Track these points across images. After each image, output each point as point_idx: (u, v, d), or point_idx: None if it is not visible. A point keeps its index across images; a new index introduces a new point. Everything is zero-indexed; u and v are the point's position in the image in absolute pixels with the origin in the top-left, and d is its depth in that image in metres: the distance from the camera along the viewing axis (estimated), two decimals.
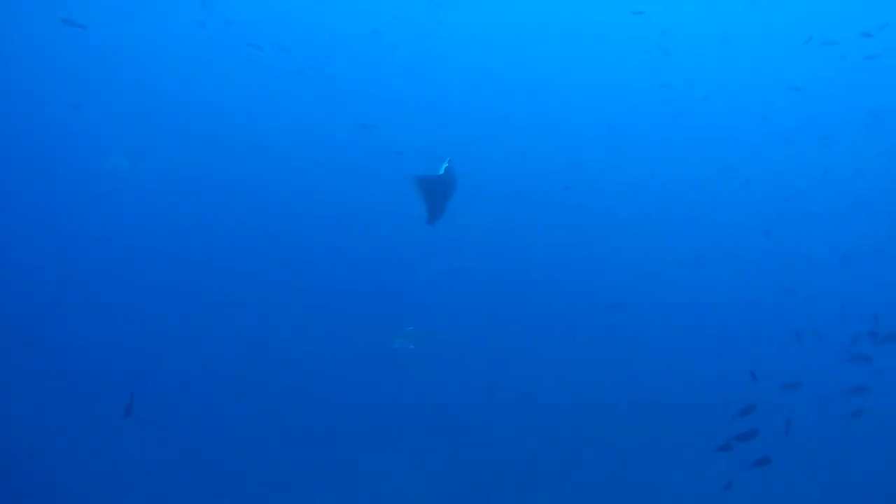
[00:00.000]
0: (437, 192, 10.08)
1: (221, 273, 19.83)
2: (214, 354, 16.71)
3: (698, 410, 15.20)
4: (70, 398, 14.69)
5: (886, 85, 21.37)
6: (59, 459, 12.97)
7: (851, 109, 22.40)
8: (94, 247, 19.77)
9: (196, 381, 15.57)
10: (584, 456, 14.33)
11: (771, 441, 10.20)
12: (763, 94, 23.85)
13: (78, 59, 24.95)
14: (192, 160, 23.26)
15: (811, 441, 13.60)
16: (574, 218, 22.55)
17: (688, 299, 20.24)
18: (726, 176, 22.02)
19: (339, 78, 25.39)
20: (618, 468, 14.03)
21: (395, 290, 19.42)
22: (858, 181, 22.71)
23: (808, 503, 12.86)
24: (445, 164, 10.08)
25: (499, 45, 25.80)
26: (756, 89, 24.12)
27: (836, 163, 22.21)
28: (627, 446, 14.70)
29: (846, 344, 13.62)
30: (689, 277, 20.93)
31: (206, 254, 20.48)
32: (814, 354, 15.92)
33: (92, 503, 12.01)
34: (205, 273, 19.61)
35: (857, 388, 12.94)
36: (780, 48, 22.80)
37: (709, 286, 20.90)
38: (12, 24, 24.36)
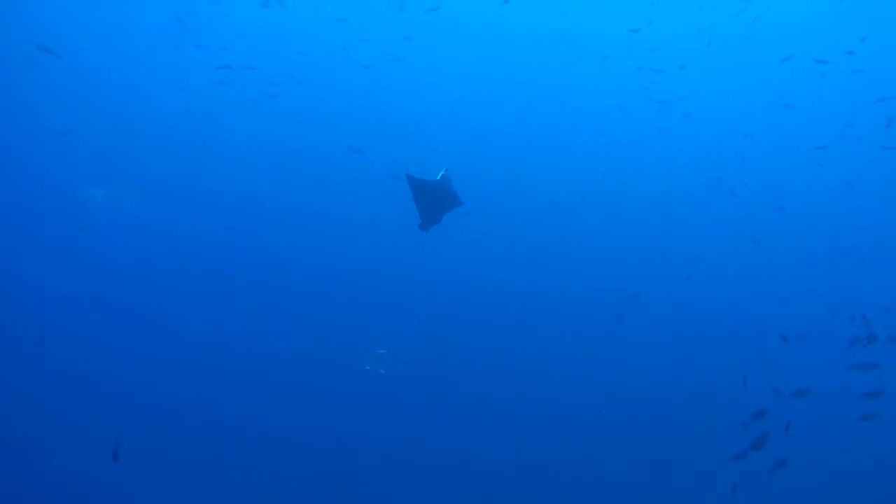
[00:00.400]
0: (432, 198, 10.08)
1: (208, 291, 19.65)
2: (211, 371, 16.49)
3: (702, 417, 15.16)
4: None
5: (868, 97, 21.84)
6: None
7: (837, 122, 22.79)
8: (82, 274, 19.52)
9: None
10: (592, 462, 14.20)
11: (781, 448, 10.15)
12: (751, 108, 24.24)
13: (57, 88, 24.78)
14: (179, 183, 23.14)
15: (818, 446, 13.55)
16: (567, 231, 22.65)
17: (685, 309, 20.35)
18: (716, 188, 22.35)
19: (316, 99, 25.53)
20: (627, 475, 13.92)
21: (392, 305, 19.38)
22: (844, 190, 23.08)
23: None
24: (442, 172, 10.15)
25: (487, 60, 26.01)
26: (744, 103, 24.50)
27: (824, 172, 22.55)
28: (635, 455, 14.60)
29: (847, 349, 13.66)
30: (685, 288, 21.04)
31: (194, 273, 20.28)
32: (814, 360, 15.99)
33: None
34: (192, 291, 19.42)
35: (863, 393, 12.96)
36: (766, 64, 23.18)
37: (705, 297, 21.05)
38: None
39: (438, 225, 10.34)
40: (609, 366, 17.86)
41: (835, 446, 14.48)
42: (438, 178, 10.05)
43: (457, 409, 16.47)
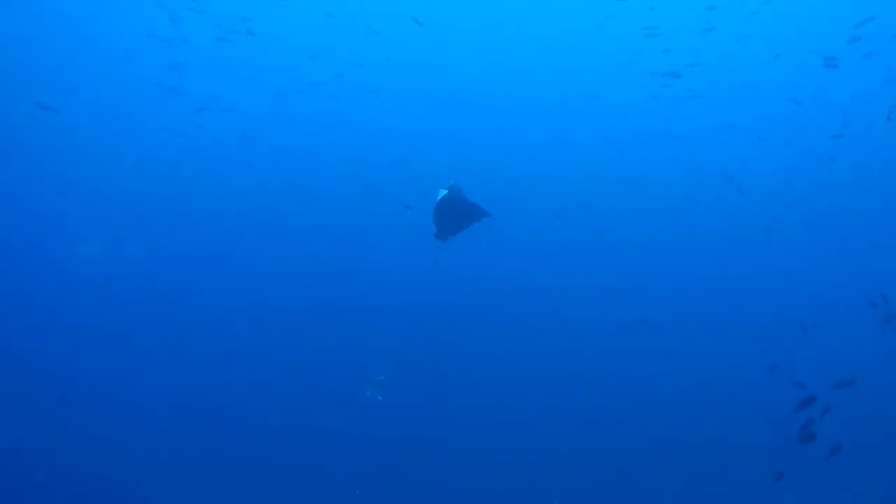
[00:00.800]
0: (447, 208, 10.16)
1: (216, 320, 19.93)
2: None
3: (729, 414, 15.08)
4: None
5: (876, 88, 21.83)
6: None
7: (847, 111, 22.75)
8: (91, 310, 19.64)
9: None
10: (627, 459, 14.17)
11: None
12: (761, 106, 24.27)
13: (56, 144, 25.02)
14: (188, 230, 23.39)
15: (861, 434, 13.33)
16: (581, 237, 22.68)
17: (702, 308, 20.32)
18: (727, 186, 22.42)
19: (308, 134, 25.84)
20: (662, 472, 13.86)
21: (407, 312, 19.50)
22: (852, 177, 23.07)
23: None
24: (451, 183, 10.30)
25: (496, 67, 26.16)
26: (752, 102, 24.52)
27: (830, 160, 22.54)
28: (667, 453, 14.52)
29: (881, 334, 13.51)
30: (701, 287, 21.01)
31: (201, 305, 20.50)
32: (851, 351, 15.89)
33: None
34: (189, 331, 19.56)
35: None
36: (771, 60, 23.14)
37: (722, 294, 20.99)
38: None
39: (456, 234, 10.41)
40: (633, 367, 17.78)
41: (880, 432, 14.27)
42: (448, 188, 10.12)
43: (474, 433, 16.44)
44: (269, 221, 23.72)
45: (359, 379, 15.43)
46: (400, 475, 14.74)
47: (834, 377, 12.56)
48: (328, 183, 24.89)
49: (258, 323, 19.70)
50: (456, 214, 10.19)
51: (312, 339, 18.79)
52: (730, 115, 23.73)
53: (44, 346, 18.11)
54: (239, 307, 20.24)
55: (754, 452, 14.11)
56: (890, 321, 13.17)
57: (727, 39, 23.16)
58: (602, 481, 14.38)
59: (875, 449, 13.82)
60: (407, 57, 25.30)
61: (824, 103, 22.69)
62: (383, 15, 24.49)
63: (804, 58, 21.42)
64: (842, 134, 21.21)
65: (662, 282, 21.06)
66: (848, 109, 22.43)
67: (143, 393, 16.57)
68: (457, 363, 17.69)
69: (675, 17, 22.95)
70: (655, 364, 17.74)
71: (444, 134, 25.88)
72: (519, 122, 25.72)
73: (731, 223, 23.07)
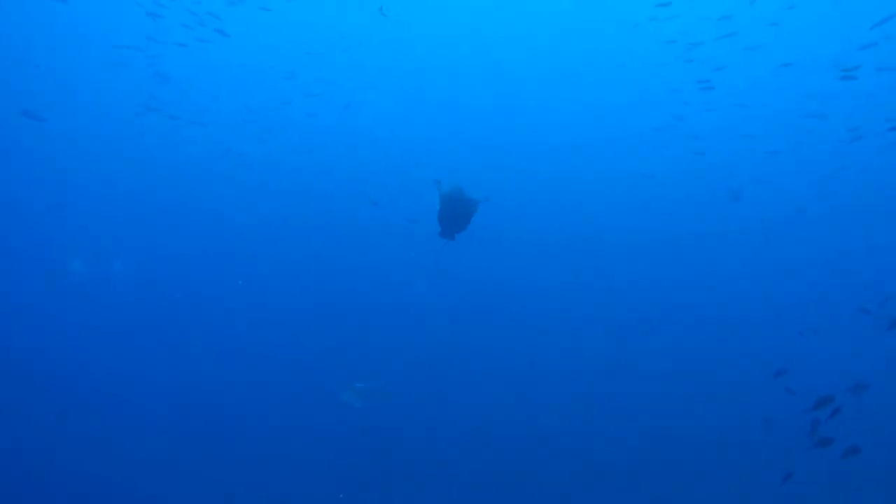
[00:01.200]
0: (447, 207, 10.26)
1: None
2: None
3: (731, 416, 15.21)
4: None
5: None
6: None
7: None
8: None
9: None
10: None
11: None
12: (772, 113, 24.44)
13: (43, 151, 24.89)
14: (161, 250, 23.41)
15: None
16: (584, 240, 22.87)
17: (709, 307, 20.52)
18: (733, 198, 22.69)
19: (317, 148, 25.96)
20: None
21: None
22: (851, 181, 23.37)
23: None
24: (453, 182, 10.44)
25: (518, 78, 26.32)
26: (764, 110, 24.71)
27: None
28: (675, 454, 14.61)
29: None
30: (712, 296, 21.22)
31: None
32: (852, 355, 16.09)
33: None
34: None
35: None
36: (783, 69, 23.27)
37: (726, 296, 21.21)
38: None
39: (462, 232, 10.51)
40: (634, 368, 17.89)
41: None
42: (450, 188, 10.36)
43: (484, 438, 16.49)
44: (268, 223, 23.87)
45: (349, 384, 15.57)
46: (400, 475, 14.87)
47: (833, 379, 12.72)
48: (325, 188, 25.05)
49: (257, 324, 19.90)
50: (460, 212, 10.35)
51: (312, 339, 18.90)
52: (740, 123, 23.94)
53: (43, 347, 18.13)
54: (238, 308, 20.43)
55: (760, 453, 14.24)
56: (893, 327, 13.31)
57: (740, 48, 23.30)
58: (602, 481, 14.46)
59: (878, 450, 13.96)
60: (412, 61, 25.45)
61: (835, 112, 22.90)
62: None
63: (815, 68, 21.57)
64: (856, 139, 21.36)
65: (664, 284, 21.28)
66: (857, 117, 22.64)
67: (143, 393, 16.79)
68: (457, 363, 17.87)
69: (691, 26, 22.98)
70: (657, 365, 17.88)
71: (444, 136, 26.08)
72: (518, 123, 25.92)
73: (735, 228, 23.34)
